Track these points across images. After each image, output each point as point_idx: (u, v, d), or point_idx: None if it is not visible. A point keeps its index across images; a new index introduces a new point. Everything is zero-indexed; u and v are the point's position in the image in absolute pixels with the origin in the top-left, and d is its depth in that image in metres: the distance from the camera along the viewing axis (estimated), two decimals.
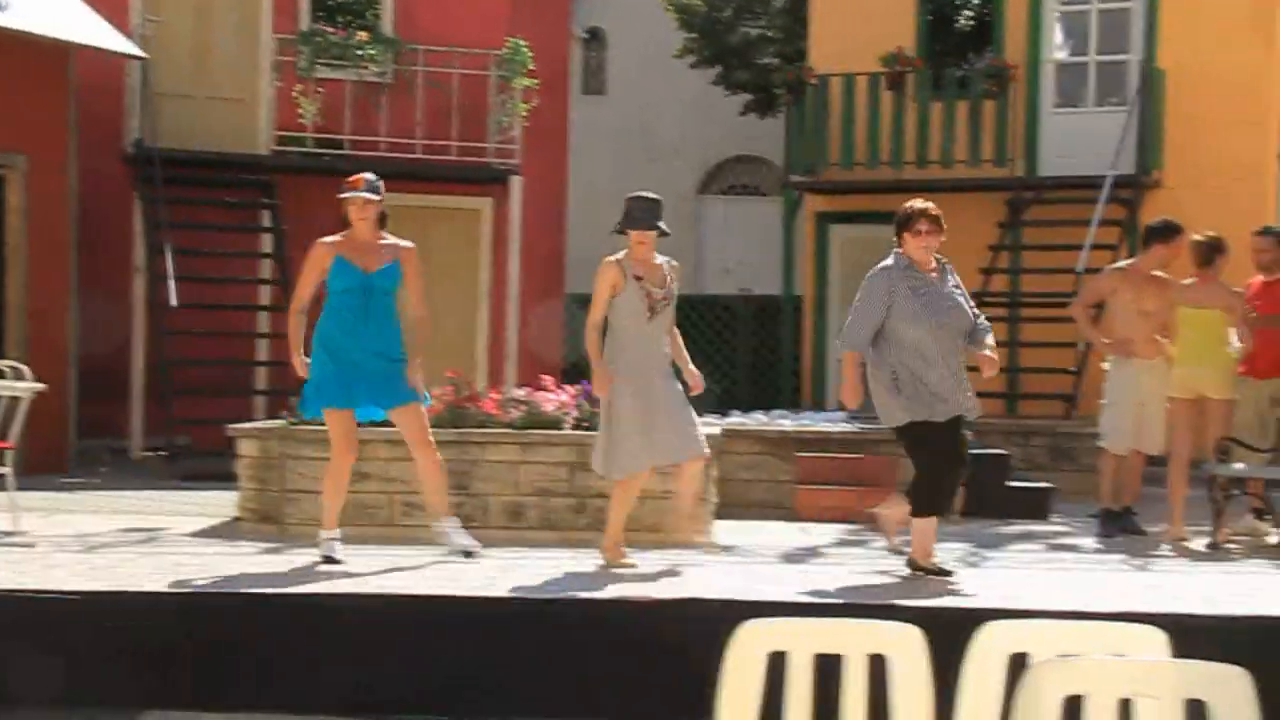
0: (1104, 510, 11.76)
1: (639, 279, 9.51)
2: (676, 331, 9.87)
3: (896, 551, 9.64)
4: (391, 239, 9.90)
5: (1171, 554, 10.71)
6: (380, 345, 9.67)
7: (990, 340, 9.49)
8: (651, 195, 10.01)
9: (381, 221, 9.85)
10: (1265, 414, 11.53)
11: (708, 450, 9.78)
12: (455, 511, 9.95)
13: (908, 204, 9.51)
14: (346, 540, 9.83)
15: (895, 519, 9.56)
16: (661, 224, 9.72)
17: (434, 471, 9.77)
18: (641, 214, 9.67)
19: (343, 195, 9.79)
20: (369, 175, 9.92)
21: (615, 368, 9.46)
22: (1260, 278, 11.79)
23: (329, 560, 9.40)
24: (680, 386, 9.70)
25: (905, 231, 9.31)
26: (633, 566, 9.43)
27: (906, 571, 9.28)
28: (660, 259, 9.71)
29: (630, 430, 9.42)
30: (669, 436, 9.46)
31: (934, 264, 9.39)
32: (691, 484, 9.77)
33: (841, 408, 11.61)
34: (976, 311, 9.54)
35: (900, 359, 9.13)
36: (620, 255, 9.56)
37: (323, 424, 10.43)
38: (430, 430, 9.82)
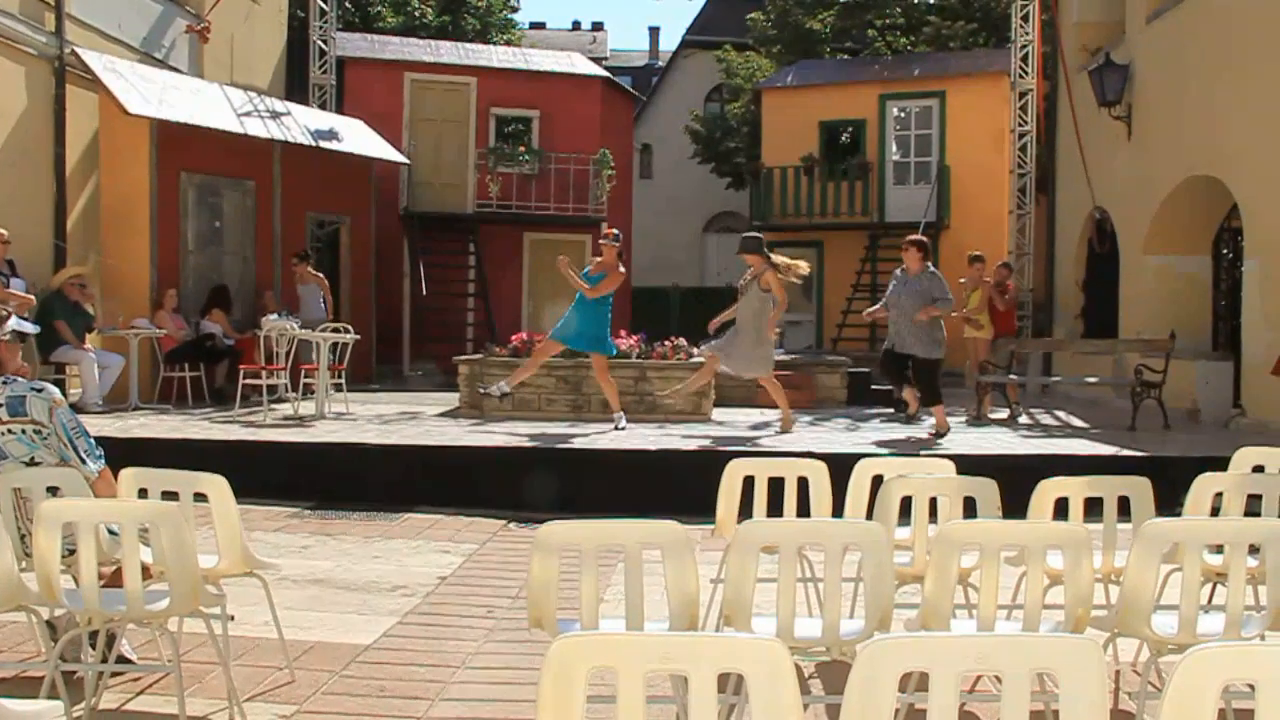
0: (896, 399, 11.68)
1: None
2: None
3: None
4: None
5: (955, 421, 10.65)
6: None
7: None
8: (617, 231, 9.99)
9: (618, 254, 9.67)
10: None
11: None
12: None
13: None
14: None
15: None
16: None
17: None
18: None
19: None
20: (614, 230, 10.03)
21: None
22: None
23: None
24: None
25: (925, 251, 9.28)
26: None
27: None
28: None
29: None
30: None
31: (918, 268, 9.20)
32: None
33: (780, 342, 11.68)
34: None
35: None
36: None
37: (499, 356, 10.56)
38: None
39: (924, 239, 9.55)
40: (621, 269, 9.68)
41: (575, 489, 7.85)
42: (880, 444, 8.73)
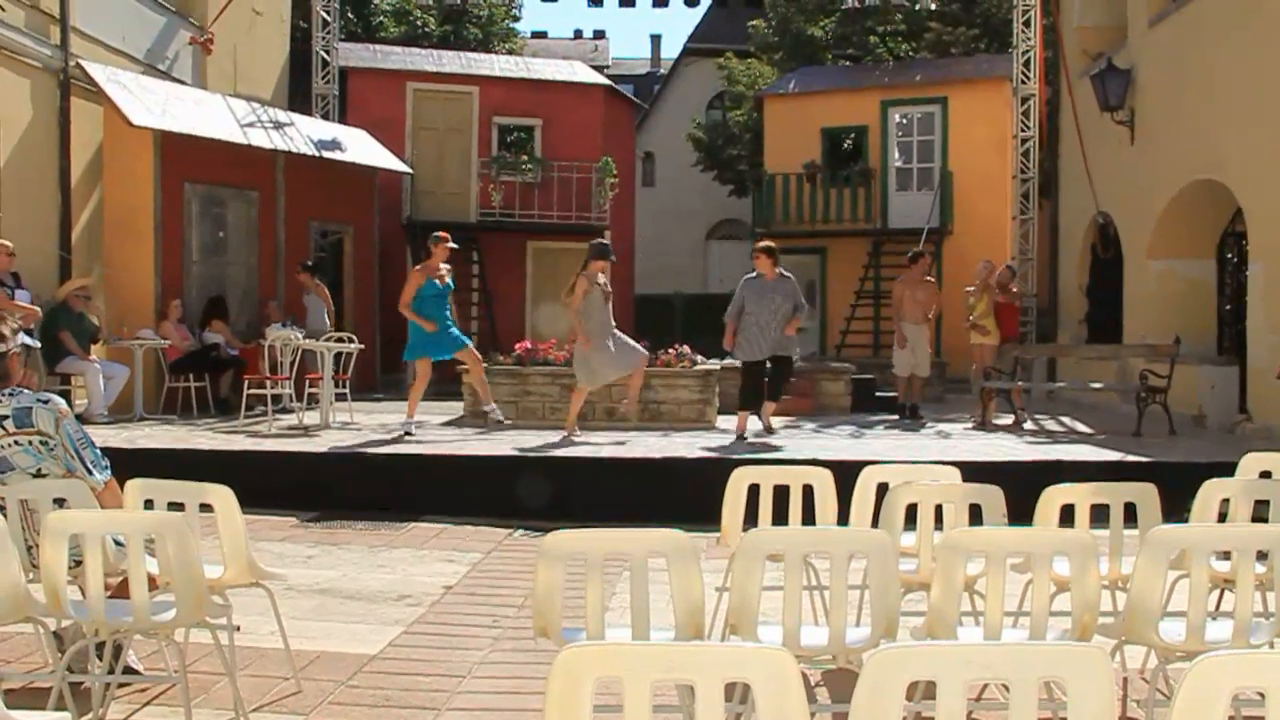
0: (900, 405, 11.69)
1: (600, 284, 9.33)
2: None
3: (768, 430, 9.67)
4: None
5: (960, 428, 10.66)
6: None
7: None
8: (605, 241, 9.97)
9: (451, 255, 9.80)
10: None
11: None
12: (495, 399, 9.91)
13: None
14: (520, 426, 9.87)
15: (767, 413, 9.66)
16: (613, 256, 9.58)
17: (481, 379, 9.81)
18: (602, 251, 9.49)
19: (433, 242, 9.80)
20: (445, 234, 10.03)
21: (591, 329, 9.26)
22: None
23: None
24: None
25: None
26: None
27: (793, 438, 9.29)
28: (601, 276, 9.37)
29: (602, 361, 9.28)
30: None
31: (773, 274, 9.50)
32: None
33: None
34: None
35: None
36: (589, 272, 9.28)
37: (503, 363, 10.53)
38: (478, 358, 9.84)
39: (772, 245, 9.80)
40: (418, 268, 9.85)
41: (579, 497, 7.84)
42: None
